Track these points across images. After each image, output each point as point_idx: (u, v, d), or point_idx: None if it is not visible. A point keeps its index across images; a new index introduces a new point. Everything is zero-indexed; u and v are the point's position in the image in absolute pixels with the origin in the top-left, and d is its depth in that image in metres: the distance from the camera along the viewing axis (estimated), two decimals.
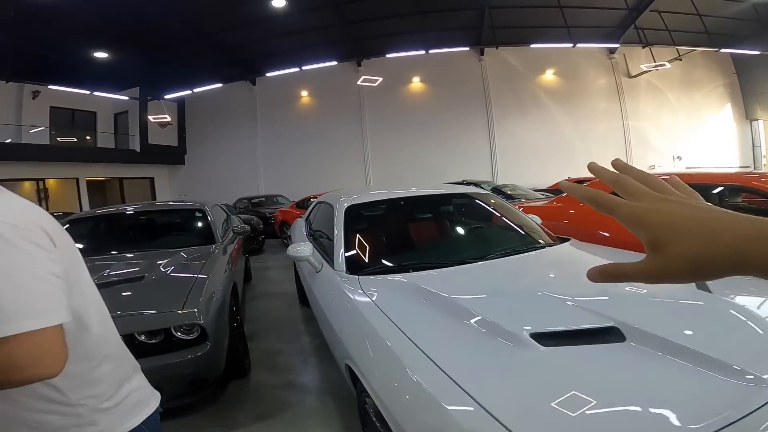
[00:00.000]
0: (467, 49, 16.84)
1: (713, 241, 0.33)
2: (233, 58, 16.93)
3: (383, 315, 1.62)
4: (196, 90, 18.43)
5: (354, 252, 2.35)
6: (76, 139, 16.36)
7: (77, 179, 15.55)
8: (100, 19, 11.94)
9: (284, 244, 9.71)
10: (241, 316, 3.45)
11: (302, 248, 2.55)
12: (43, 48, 13.05)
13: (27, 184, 15.41)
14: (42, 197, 14.82)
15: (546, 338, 1.30)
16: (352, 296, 1.88)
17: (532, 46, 16.12)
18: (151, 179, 18.90)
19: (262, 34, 14.97)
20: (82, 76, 14.95)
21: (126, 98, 16.70)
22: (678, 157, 17.60)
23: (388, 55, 16.63)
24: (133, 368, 0.98)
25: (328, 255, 2.56)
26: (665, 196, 0.38)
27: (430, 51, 16.58)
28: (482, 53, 17.19)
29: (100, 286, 2.30)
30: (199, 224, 4.12)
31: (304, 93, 18.73)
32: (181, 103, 19.26)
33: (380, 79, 15.50)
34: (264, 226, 9.97)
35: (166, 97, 18.06)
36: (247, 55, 16.82)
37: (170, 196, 19.36)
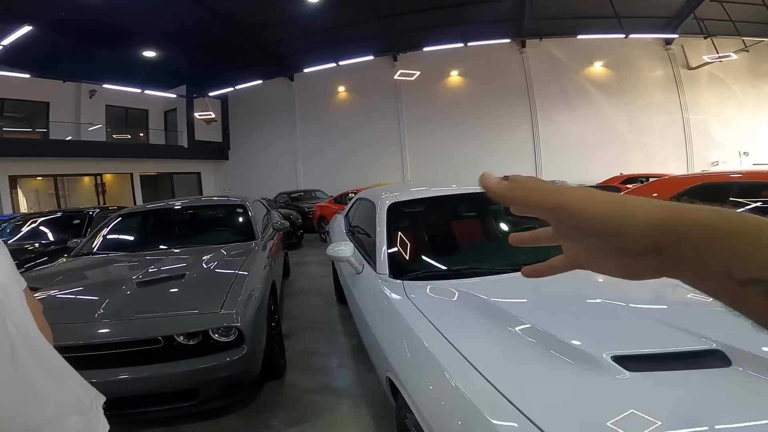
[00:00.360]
0: (507, 41, 16.28)
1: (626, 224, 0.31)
2: (272, 55, 17.31)
3: (431, 326, 1.45)
4: (237, 87, 18.98)
5: (397, 253, 2.18)
6: (129, 136, 17.32)
7: (131, 174, 16.47)
8: (146, 19, 12.52)
9: (322, 238, 9.76)
10: (279, 314, 3.40)
11: (342, 248, 2.42)
12: (96, 47, 13.83)
13: (86, 179, 16.54)
14: (99, 191, 15.83)
15: (630, 361, 1.09)
16: (395, 303, 1.72)
17: (580, 37, 15.30)
18: (198, 174, 19.71)
19: (299, 31, 15.16)
20: (134, 75, 15.78)
21: (174, 96, 17.46)
22: (744, 153, 16.09)
23: (425, 49, 16.33)
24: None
25: (369, 256, 2.42)
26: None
27: (469, 44, 16.12)
28: (523, 45, 16.57)
29: (145, 284, 2.32)
30: (240, 220, 4.12)
31: (341, 88, 18.80)
32: (224, 100, 19.93)
33: (417, 73, 15.28)
34: (302, 221, 10.06)
35: (210, 94, 18.75)
36: (285, 51, 17.14)
37: (215, 190, 20.09)
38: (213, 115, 16.46)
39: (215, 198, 4.77)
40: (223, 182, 20.51)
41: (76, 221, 5.74)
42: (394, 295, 1.77)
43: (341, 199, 10.17)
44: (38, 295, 2.29)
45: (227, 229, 4.09)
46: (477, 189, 2.35)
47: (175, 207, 4.35)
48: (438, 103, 17.50)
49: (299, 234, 9.59)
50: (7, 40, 8.98)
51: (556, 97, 16.70)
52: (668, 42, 16.22)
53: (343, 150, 18.46)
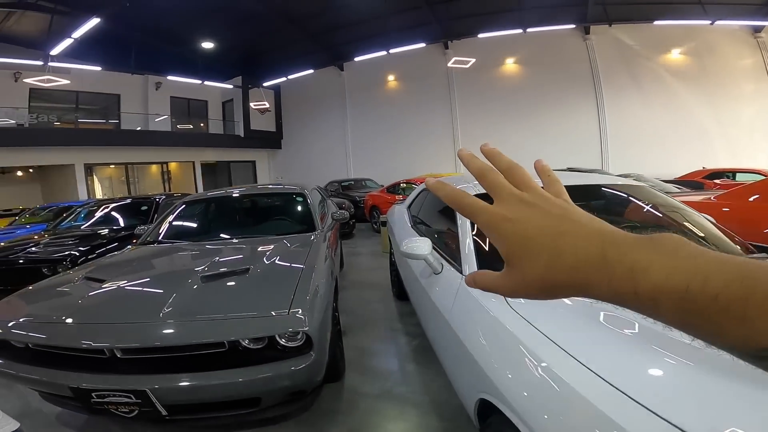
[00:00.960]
0: (570, 27, 15.19)
1: (557, 262, 0.30)
2: (323, 45, 17.39)
3: (552, 343, 1.16)
4: (290, 77, 19.25)
5: (489, 254, 1.84)
6: (191, 126, 18.18)
7: (193, 162, 17.32)
8: (204, 9, 12.87)
9: (374, 228, 9.63)
10: (337, 311, 3.24)
11: (419, 245, 2.14)
12: (159, 40, 14.52)
13: (154, 167, 17.63)
14: (165, 179, 16.81)
15: None
16: (498, 313, 1.42)
17: (657, 23, 13.92)
18: (253, 163, 20.38)
19: (350, 19, 15.00)
20: (194, 67, 16.47)
21: (231, 86, 18.06)
22: None
23: (480, 35, 15.50)
24: None
25: (449, 255, 2.15)
26: (523, 195, 0.35)
27: (528, 30, 15.15)
28: (587, 32, 15.36)
29: (210, 278, 2.18)
30: (300, 209, 4.00)
31: (391, 77, 18.52)
32: (277, 90, 20.34)
33: (472, 60, 14.73)
34: (354, 210, 9.97)
35: (264, 84, 19.20)
36: (336, 40, 17.14)
37: (269, 178, 20.74)
38: (267, 105, 16.85)
39: (275, 186, 4.67)
40: (276, 170, 21.11)
41: (144, 207, 5.97)
42: (494, 303, 1.49)
43: (394, 189, 9.95)
44: (106, 286, 2.26)
45: (287, 219, 3.99)
46: (594, 181, 2.12)
47: (236, 195, 4.32)
48: (493, 92, 16.78)
49: (351, 224, 9.51)
50: (78, 33, 9.57)
51: (627, 87, 15.40)
52: (757, 30, 14.37)
53: (393, 139, 18.26)
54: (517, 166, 0.39)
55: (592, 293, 0.29)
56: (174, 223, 3.86)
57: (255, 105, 16.99)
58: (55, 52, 10.28)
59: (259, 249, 2.94)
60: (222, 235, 3.57)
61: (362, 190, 12.84)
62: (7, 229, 7.83)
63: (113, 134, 14.91)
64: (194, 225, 4.00)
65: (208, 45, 15.03)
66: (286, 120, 21.01)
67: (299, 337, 1.82)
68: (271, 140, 20.55)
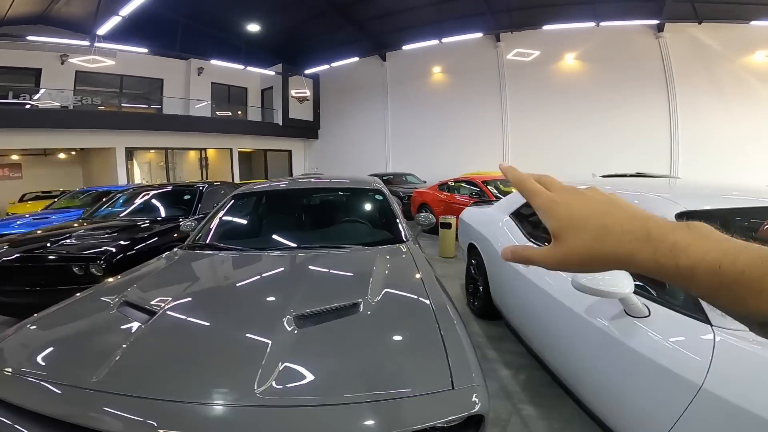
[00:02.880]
0: (642, 23, 13.84)
1: (604, 237, 0.36)
2: (367, 32, 16.69)
3: None
4: (333, 65, 18.58)
5: None
6: (230, 113, 17.82)
7: (231, 150, 16.98)
8: None
9: (423, 230, 8.78)
10: None
11: (617, 280, 1.41)
12: (204, 24, 14.12)
13: (192, 153, 17.41)
14: (203, 165, 16.55)
15: None
16: None
17: (753, 23, 12.50)
18: (289, 152, 19.93)
19: (397, 7, 14.25)
20: (237, 52, 16.04)
21: (273, 73, 17.56)
22: None
23: (545, 27, 14.28)
24: None
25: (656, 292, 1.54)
26: (568, 187, 0.41)
27: (601, 24, 13.88)
28: (660, 29, 13.94)
29: (307, 321, 1.59)
30: (379, 211, 3.24)
31: (437, 69, 17.57)
32: (316, 79, 19.72)
33: (536, 53, 13.61)
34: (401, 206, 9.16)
35: (306, 72, 18.65)
36: (383, 28, 16.37)
37: (304, 169, 20.24)
38: (307, 93, 16.28)
39: (344, 179, 3.85)
40: (312, 161, 20.61)
41: (187, 197, 5.36)
42: None
43: (449, 187, 9.04)
44: (155, 324, 1.51)
45: (364, 223, 3.20)
46: None
47: (300, 189, 3.59)
48: (549, 88, 15.54)
49: None
50: (125, 10, 9.18)
51: (703, 89, 13.82)
52: None
53: (435, 133, 17.36)
54: (545, 175, 0.44)
55: (636, 264, 0.34)
56: (226, 221, 3.15)
57: (295, 93, 16.45)
58: (102, 31, 9.98)
59: (350, 267, 2.21)
60: (288, 241, 2.80)
61: (404, 186, 12.13)
62: (41, 213, 7.36)
63: (155, 118, 14.67)
64: (251, 226, 3.28)
65: (254, 28, 14.59)
66: (323, 110, 20.43)
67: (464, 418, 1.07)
68: (308, 130, 20.00)
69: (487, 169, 14.52)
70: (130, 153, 14.19)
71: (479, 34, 15.10)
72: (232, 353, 1.35)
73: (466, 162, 15.77)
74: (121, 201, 5.56)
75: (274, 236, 2.97)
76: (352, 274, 2.12)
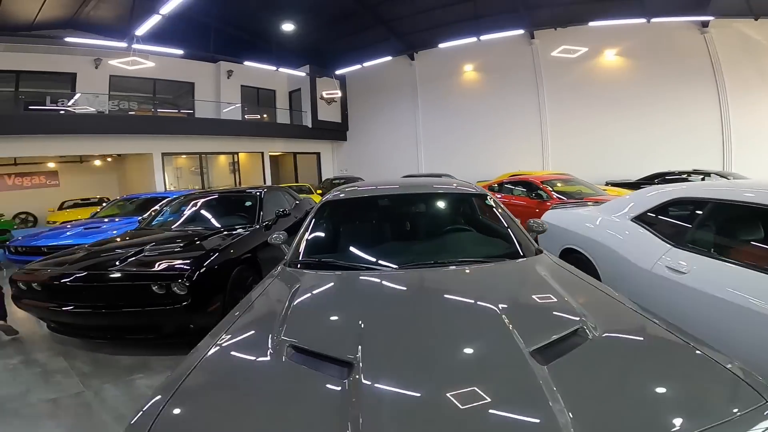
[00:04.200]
0: (687, 19, 13.33)
1: None
2: (396, 31, 16.43)
3: None
4: (358, 66, 18.21)
5: None
6: (260, 117, 17.66)
7: (262, 153, 16.80)
8: None
9: None
10: None
11: None
12: (235, 26, 13.94)
13: (222, 157, 17.29)
14: (235, 170, 16.40)
15: None
16: None
17: None
18: (318, 154, 19.68)
19: (427, 5, 13.99)
20: (266, 55, 15.86)
21: (303, 74, 17.31)
22: None
23: (591, 24, 13.65)
24: None
25: None
26: None
27: (653, 20, 13.35)
28: (705, 25, 13.42)
29: (543, 355, 1.23)
30: (490, 219, 2.79)
31: (468, 67, 17.16)
32: (342, 80, 19.41)
33: (583, 49, 13.42)
34: None
35: (337, 72, 18.39)
36: (411, 27, 16.10)
37: (332, 171, 19.97)
38: (339, 93, 16.00)
39: (441, 182, 3.45)
40: (340, 163, 20.34)
41: (248, 203, 5.00)
42: None
43: (505, 188, 8.51)
44: (364, 385, 1.11)
45: (476, 233, 2.75)
46: None
47: (399, 194, 3.17)
48: (590, 85, 15.02)
49: None
50: (166, 9, 8.99)
51: (754, 83, 13.36)
52: None
53: (469, 132, 16.94)
54: None
55: None
56: (325, 232, 2.77)
57: (327, 94, 16.17)
58: (141, 31, 9.83)
59: (511, 288, 1.91)
60: (403, 255, 2.38)
61: None
62: (91, 222, 6.95)
63: (189, 122, 14.56)
64: (356, 237, 2.84)
65: (288, 27, 14.35)
66: (351, 111, 20.14)
67: None
68: (337, 132, 19.72)
69: (526, 168, 13.97)
70: (165, 159, 14.10)
71: (519, 31, 14.65)
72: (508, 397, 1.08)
73: (504, 161, 15.34)
74: (176, 209, 5.25)
75: (387, 249, 2.54)
76: (524, 296, 1.80)
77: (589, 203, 4.87)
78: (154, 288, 2.98)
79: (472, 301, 1.73)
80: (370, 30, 16.07)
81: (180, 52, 12.47)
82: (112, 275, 3.09)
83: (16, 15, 11.66)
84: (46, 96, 12.34)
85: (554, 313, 1.55)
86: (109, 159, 17.30)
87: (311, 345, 1.35)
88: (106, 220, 7.09)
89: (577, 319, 1.40)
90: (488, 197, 2.95)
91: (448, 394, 1.06)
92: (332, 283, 2.06)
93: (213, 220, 4.84)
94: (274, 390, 1.18)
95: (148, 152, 13.47)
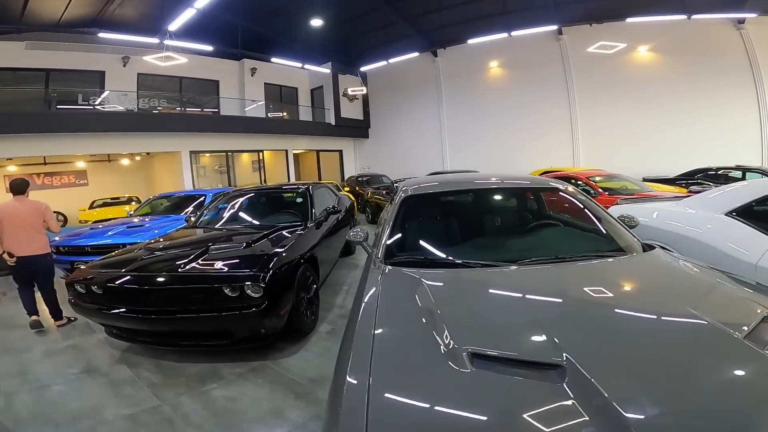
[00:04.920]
0: (722, 16, 12.87)
1: None
2: (420, 29, 16.08)
3: None
4: (384, 62, 17.97)
5: None
6: (282, 114, 17.52)
7: (286, 151, 16.66)
8: None
9: None
10: None
11: None
12: (263, 22, 13.78)
13: (245, 155, 17.21)
14: (259, 167, 16.30)
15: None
16: None
17: None
18: (340, 152, 19.48)
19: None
20: (292, 51, 15.72)
21: (327, 71, 17.11)
22: None
23: (628, 20, 13.34)
24: None
25: None
26: None
27: (693, 17, 12.88)
28: (740, 21, 12.89)
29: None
30: (582, 212, 2.59)
31: (494, 64, 16.69)
32: (364, 77, 19.13)
33: (622, 45, 13.14)
34: None
35: (362, 69, 18.22)
36: (438, 23, 15.74)
37: (354, 169, 19.76)
38: (364, 90, 15.76)
39: (517, 176, 3.23)
40: (362, 160, 20.13)
41: (299, 200, 4.78)
42: None
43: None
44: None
45: (576, 228, 2.59)
46: None
47: (484, 188, 2.95)
48: (622, 80, 14.45)
49: None
50: (200, 2, 8.82)
51: None
52: None
53: (495, 129, 16.57)
54: None
55: None
56: (413, 229, 2.58)
57: (352, 91, 15.93)
58: (174, 26, 9.74)
59: (669, 283, 1.78)
60: (510, 252, 2.27)
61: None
62: (131, 222, 6.61)
63: (216, 120, 14.44)
64: (446, 234, 2.63)
65: (317, 22, 14.19)
66: (372, 108, 19.88)
67: None
68: (359, 129, 19.49)
69: (556, 164, 13.53)
70: (193, 156, 14.04)
71: (551, 27, 14.31)
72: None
73: (531, 157, 14.98)
74: (223, 207, 5.05)
75: (489, 245, 2.44)
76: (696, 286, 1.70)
77: (660, 199, 4.57)
78: (226, 290, 2.76)
79: (644, 295, 1.66)
80: (394, 26, 15.79)
81: (210, 48, 12.38)
82: (181, 277, 2.88)
83: (42, 14, 11.64)
84: (78, 95, 12.34)
85: (734, 301, 1.53)
86: (137, 158, 17.40)
87: (498, 350, 1.19)
88: (147, 219, 6.94)
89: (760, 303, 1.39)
90: (555, 189, 2.80)
91: (699, 403, 0.97)
92: (463, 282, 1.86)
93: (265, 218, 4.64)
94: (489, 400, 1.02)
95: (176, 150, 13.43)
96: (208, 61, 14.98)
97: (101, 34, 11.32)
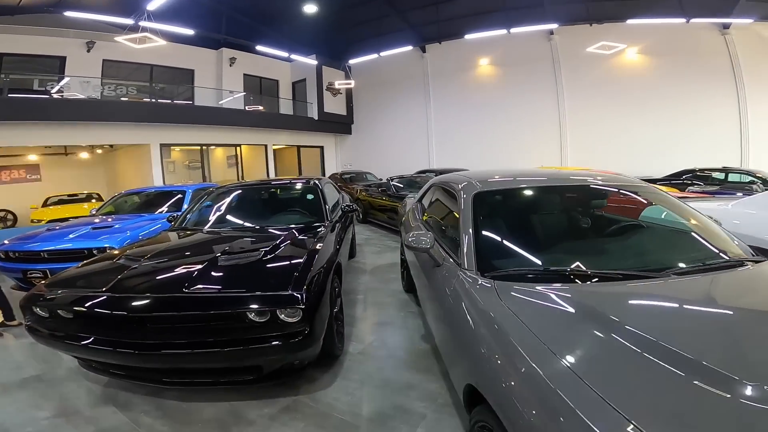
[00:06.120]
0: (705, 21, 13.25)
1: None
2: (411, 22, 15.64)
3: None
4: (375, 55, 17.29)
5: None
6: (262, 108, 16.53)
7: (265, 146, 15.71)
8: None
9: None
10: None
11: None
12: (246, 10, 12.92)
13: (219, 150, 16.11)
14: (237, 163, 15.26)
15: None
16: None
17: None
18: (321, 148, 18.72)
19: None
20: (275, 42, 14.81)
21: (314, 63, 16.29)
22: None
23: (629, 21, 13.43)
24: None
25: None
26: None
27: (692, 20, 13.19)
28: (725, 27, 13.32)
29: None
30: (668, 214, 2.36)
31: (483, 61, 16.45)
32: (347, 71, 18.42)
33: (621, 46, 13.39)
34: None
35: (334, 65, 17.52)
36: (430, 18, 15.33)
37: (336, 166, 19.06)
38: (353, 83, 15.10)
39: (589, 173, 2.96)
40: (344, 157, 19.45)
41: (310, 196, 4.12)
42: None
43: None
44: None
45: (670, 233, 2.30)
46: None
47: (562, 186, 2.60)
48: (610, 80, 14.60)
49: None
50: None
51: None
52: None
53: (484, 127, 16.35)
54: None
55: None
56: (499, 233, 2.13)
57: (339, 83, 15.20)
58: (153, 5, 8.71)
59: None
60: (617, 261, 1.97)
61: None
62: (96, 222, 5.45)
63: (191, 111, 13.26)
64: (546, 241, 2.17)
65: (311, 8, 13.41)
66: (356, 104, 19.22)
67: None
68: (342, 125, 18.78)
69: (542, 163, 13.43)
70: (163, 151, 12.85)
71: (551, 26, 14.20)
72: None
73: (520, 156, 14.96)
74: (214, 204, 4.29)
75: (589, 252, 2.06)
76: None
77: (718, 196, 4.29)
78: (251, 316, 2.08)
79: None
80: (386, 19, 15.25)
81: (191, 32, 11.31)
82: (188, 300, 2.16)
83: None
84: (33, 81, 10.98)
85: None
86: (99, 151, 15.91)
87: None
88: (113, 218, 6.00)
89: None
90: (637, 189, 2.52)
91: None
92: (628, 298, 1.56)
93: (270, 218, 3.95)
94: None
95: (145, 143, 12.23)
96: (184, 48, 13.85)
97: (68, 13, 10.01)
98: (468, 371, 1.48)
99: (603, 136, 14.64)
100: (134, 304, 2.14)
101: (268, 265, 2.51)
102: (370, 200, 9.84)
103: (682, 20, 13.02)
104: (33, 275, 4.44)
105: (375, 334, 3.35)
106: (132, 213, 6.50)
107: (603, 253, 2.06)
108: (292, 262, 2.54)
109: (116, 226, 5.29)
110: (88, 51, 12.00)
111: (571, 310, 1.41)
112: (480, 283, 1.67)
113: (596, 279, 1.64)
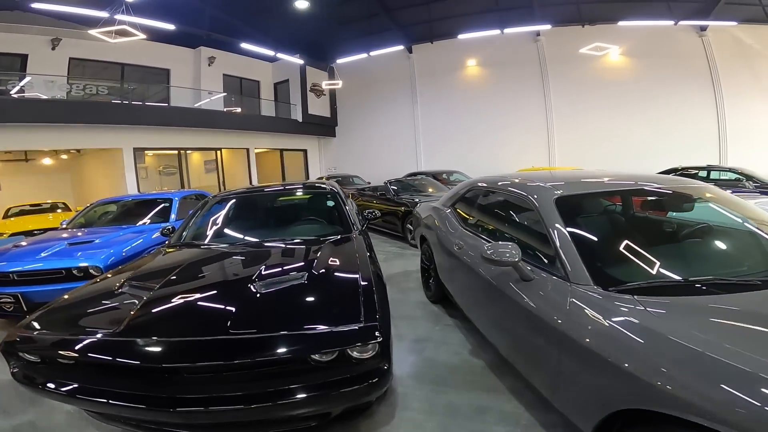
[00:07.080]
0: (684, 23, 13.69)
1: None
2: (399, 22, 15.35)
3: None
4: (357, 57, 16.90)
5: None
6: (240, 110, 15.81)
7: (247, 150, 14.97)
8: None
9: None
10: None
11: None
12: (234, 5, 12.29)
13: (196, 155, 15.25)
14: (217, 168, 14.45)
15: None
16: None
17: None
18: (305, 151, 18.11)
19: None
20: (258, 41, 14.15)
21: (299, 62, 15.70)
22: None
23: (620, 23, 13.75)
24: None
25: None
26: None
27: (680, 23, 13.70)
28: (702, 29, 13.85)
29: None
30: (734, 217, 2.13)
31: (472, 62, 16.38)
32: (330, 72, 17.94)
33: (613, 47, 13.77)
34: None
35: (319, 66, 17.02)
36: (422, 18, 15.15)
37: (320, 170, 18.51)
38: (340, 83, 14.64)
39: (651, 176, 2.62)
40: (329, 160, 18.92)
41: (330, 203, 3.66)
42: None
43: None
44: None
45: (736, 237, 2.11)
46: None
47: (632, 190, 2.35)
48: (594, 82, 14.86)
49: None
50: None
51: (748, 85, 13.86)
52: None
53: (472, 128, 16.29)
54: None
55: None
56: (602, 239, 1.95)
57: (326, 84, 14.70)
58: None
59: None
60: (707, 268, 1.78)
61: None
62: (71, 237, 4.58)
63: (168, 112, 12.34)
64: (642, 247, 1.85)
65: (302, 4, 12.85)
66: (340, 105, 18.75)
67: None
68: (326, 127, 18.24)
69: (530, 164, 13.39)
70: (137, 156, 11.95)
71: (547, 26, 14.28)
72: None
73: (508, 157, 14.96)
74: (219, 214, 3.75)
75: (681, 258, 1.90)
76: None
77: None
78: (316, 356, 1.63)
79: None
80: (374, 18, 14.89)
81: (171, 27, 10.53)
82: (235, 343, 1.66)
83: None
84: None
85: None
86: (64, 156, 14.73)
87: None
88: (87, 231, 5.28)
89: None
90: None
91: None
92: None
93: (289, 229, 3.46)
94: None
95: (116, 147, 11.31)
96: (159, 47, 13.02)
97: (36, 5, 9.09)
98: (619, 396, 1.28)
99: (589, 136, 14.84)
100: (164, 351, 1.62)
101: (321, 291, 2.06)
102: (366, 205, 9.42)
103: (671, 23, 13.36)
104: (2, 300, 3.77)
105: (416, 354, 2.97)
106: (111, 225, 5.77)
107: (709, 259, 1.89)
108: (348, 284, 2.10)
109: (96, 241, 4.56)
110: (53, 48, 11.02)
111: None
112: (590, 295, 1.48)
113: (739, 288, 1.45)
